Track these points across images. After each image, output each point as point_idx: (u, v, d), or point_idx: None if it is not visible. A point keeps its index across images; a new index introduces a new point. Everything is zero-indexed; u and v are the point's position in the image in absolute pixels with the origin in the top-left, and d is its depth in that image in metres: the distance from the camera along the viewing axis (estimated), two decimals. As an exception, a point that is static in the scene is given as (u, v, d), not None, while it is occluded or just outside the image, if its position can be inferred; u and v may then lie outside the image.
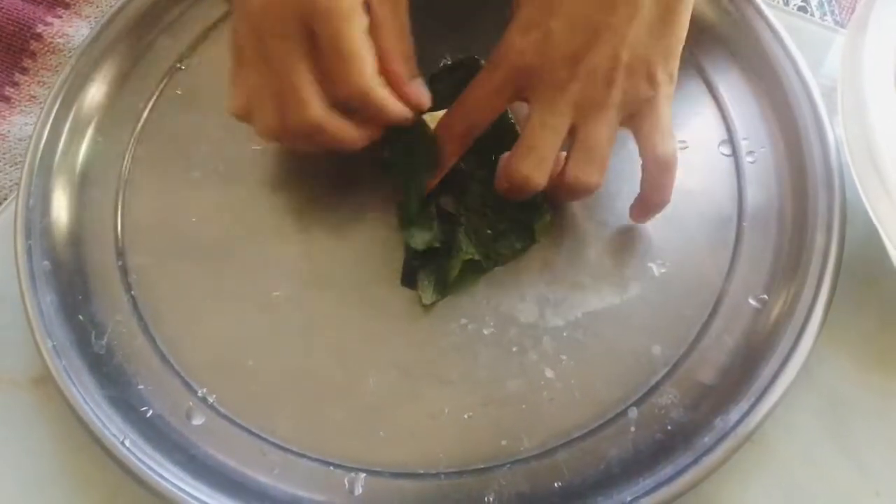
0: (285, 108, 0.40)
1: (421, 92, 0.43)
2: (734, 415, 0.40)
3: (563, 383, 0.43)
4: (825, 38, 0.52)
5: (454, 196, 0.46)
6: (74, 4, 0.56)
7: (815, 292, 0.42)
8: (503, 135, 0.46)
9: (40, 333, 0.43)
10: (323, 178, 0.48)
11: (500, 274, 0.45)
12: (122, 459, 0.40)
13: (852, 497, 0.41)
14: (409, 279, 0.45)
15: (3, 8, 0.55)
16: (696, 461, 0.39)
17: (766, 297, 0.44)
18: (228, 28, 0.43)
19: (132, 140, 0.50)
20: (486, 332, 0.44)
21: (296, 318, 0.45)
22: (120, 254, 0.47)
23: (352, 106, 0.41)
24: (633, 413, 0.42)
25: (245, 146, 0.49)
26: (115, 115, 0.50)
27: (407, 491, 0.41)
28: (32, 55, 0.55)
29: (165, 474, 0.40)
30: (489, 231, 0.45)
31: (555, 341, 0.44)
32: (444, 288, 0.45)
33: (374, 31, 0.40)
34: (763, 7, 0.49)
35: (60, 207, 0.47)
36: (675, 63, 0.42)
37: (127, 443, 0.41)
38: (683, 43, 0.42)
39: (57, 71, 0.55)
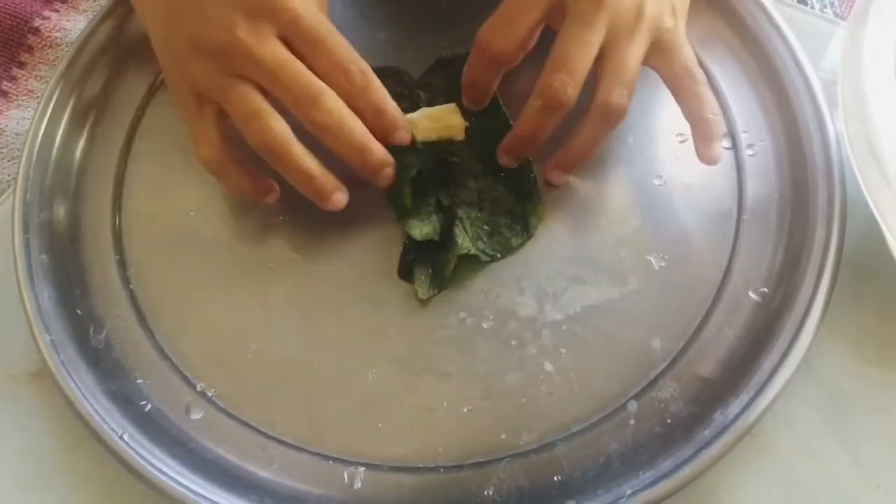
0: (300, 102, 0.41)
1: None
2: (734, 408, 0.40)
3: (563, 377, 0.43)
4: (825, 31, 0.52)
5: (449, 190, 0.46)
6: (72, -2, 0.56)
7: (815, 285, 0.42)
8: (498, 128, 0.46)
9: (38, 328, 0.43)
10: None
11: (499, 268, 0.45)
12: (120, 453, 0.40)
13: (852, 490, 0.41)
14: (405, 272, 0.45)
15: (0, 2, 0.54)
16: (695, 454, 0.39)
17: (765, 290, 0.44)
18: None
19: (130, 134, 0.50)
20: (485, 325, 0.44)
21: (294, 312, 0.45)
22: (118, 248, 0.47)
23: (355, 102, 0.41)
24: (633, 407, 0.42)
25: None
26: (113, 108, 0.50)
27: (406, 485, 0.41)
28: (30, 49, 0.55)
29: (164, 468, 0.40)
30: (486, 226, 0.45)
31: (554, 335, 0.44)
32: (441, 282, 0.44)
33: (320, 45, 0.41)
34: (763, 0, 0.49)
35: (58, 202, 0.47)
36: (686, 4, 0.44)
37: (125, 437, 0.41)
38: None
39: (54, 65, 0.54)
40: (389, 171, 0.43)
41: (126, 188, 0.48)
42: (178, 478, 0.40)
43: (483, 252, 0.45)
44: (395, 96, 0.43)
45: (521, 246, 0.45)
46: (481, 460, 0.41)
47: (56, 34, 0.55)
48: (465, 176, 0.46)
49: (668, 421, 0.41)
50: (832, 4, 0.57)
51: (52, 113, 0.48)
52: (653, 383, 0.42)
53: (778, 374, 0.41)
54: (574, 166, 0.46)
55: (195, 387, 0.43)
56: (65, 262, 0.46)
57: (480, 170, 0.46)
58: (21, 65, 0.54)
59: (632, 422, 0.42)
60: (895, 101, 0.39)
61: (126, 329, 0.45)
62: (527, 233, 0.45)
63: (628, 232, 0.46)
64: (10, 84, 0.54)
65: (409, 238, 0.45)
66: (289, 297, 0.45)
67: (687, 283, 0.45)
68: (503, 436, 0.42)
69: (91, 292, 0.46)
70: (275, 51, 0.40)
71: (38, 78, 0.54)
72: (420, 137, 0.44)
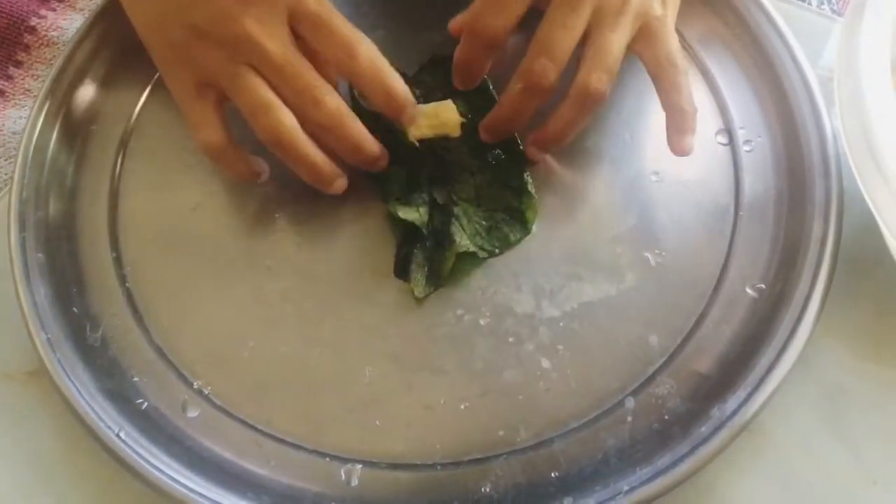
0: (304, 97, 0.41)
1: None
2: (731, 404, 0.40)
3: (560, 373, 0.43)
4: (823, 27, 0.52)
5: (446, 187, 0.46)
6: (68, -3, 0.56)
7: (812, 281, 0.42)
8: None
9: (34, 326, 0.43)
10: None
11: (497, 264, 0.45)
12: (117, 452, 0.40)
13: (849, 486, 0.41)
14: (401, 270, 0.45)
15: (-4, 1, 0.54)
16: (693, 451, 0.39)
17: (763, 286, 0.44)
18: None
19: (126, 132, 0.50)
20: (482, 322, 0.44)
21: (291, 309, 0.45)
22: (114, 246, 0.47)
23: (362, 88, 0.42)
24: (630, 403, 0.42)
25: (239, 138, 0.48)
26: (109, 107, 0.50)
27: (403, 482, 0.41)
28: (26, 48, 0.55)
29: (161, 466, 0.40)
30: (484, 221, 0.45)
31: (551, 332, 0.43)
32: (438, 280, 0.44)
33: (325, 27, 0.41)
34: (760, -5, 0.49)
35: (54, 200, 0.47)
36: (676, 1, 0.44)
37: (122, 435, 0.41)
38: None
39: (51, 64, 0.54)
40: (383, 163, 0.45)
41: (122, 186, 0.48)
42: (174, 475, 0.40)
43: (481, 248, 0.45)
44: None
45: (519, 241, 0.45)
46: (479, 457, 0.41)
47: (53, 33, 0.55)
48: (462, 172, 0.46)
49: (666, 417, 0.41)
50: (829, 1, 0.57)
51: (48, 111, 0.48)
52: (650, 380, 0.42)
53: (775, 370, 0.41)
54: (550, 145, 0.46)
55: (192, 385, 0.43)
56: (61, 260, 0.46)
57: (477, 165, 0.46)
58: (18, 64, 0.54)
59: (629, 418, 0.42)
60: (891, 97, 0.38)
61: (122, 327, 0.45)
62: (524, 227, 0.45)
63: (625, 228, 0.46)
64: (6, 83, 0.54)
65: (400, 233, 0.45)
66: (285, 295, 0.45)
67: (684, 279, 0.45)
68: (500, 432, 0.42)
69: (87, 290, 0.45)
70: (283, 46, 0.40)
71: (35, 77, 0.54)
72: (416, 134, 0.44)
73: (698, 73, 0.50)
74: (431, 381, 0.43)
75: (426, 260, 0.45)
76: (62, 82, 0.49)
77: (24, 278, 0.44)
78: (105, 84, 0.50)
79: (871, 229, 0.44)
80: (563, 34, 0.41)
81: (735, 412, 0.40)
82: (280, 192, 0.46)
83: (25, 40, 0.54)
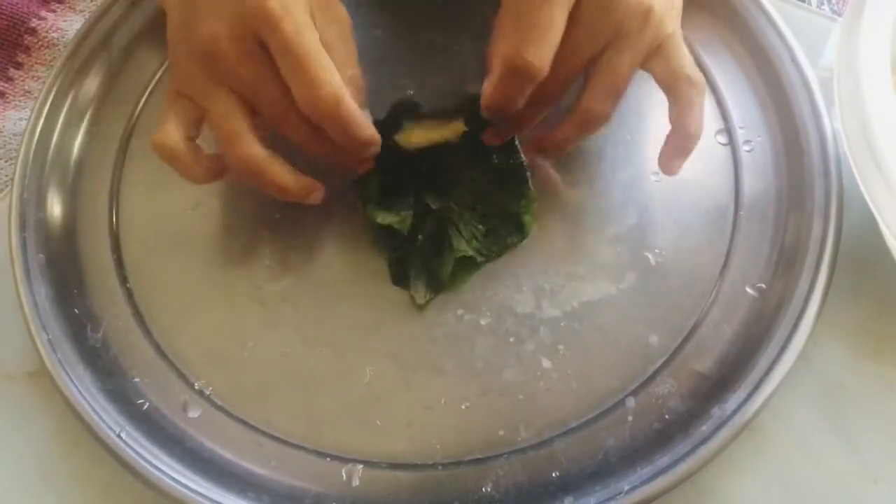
0: (274, 116, 0.40)
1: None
2: (731, 403, 0.40)
3: (560, 373, 0.43)
4: (823, 27, 0.52)
5: (439, 192, 0.46)
6: (68, -1, 0.56)
7: (812, 280, 0.42)
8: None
9: (35, 327, 0.43)
10: (318, 170, 0.48)
11: (497, 265, 0.45)
12: (118, 452, 0.40)
13: (850, 485, 0.41)
14: (399, 277, 0.45)
15: (-4, 3, 0.55)
16: (693, 450, 0.39)
17: (763, 285, 0.44)
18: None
19: (126, 132, 0.50)
20: (482, 322, 0.44)
21: (291, 309, 0.45)
22: (115, 247, 0.47)
23: (322, 123, 0.40)
24: (631, 402, 0.42)
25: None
26: (109, 108, 0.50)
27: (404, 482, 0.41)
28: (27, 50, 0.55)
29: (161, 466, 0.40)
30: (480, 226, 0.45)
31: (552, 331, 0.44)
32: (438, 286, 0.44)
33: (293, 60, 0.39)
34: (760, -5, 0.49)
35: (55, 201, 0.47)
36: (680, 12, 0.43)
37: (123, 435, 0.41)
38: None
39: (51, 66, 0.54)
40: (366, 166, 0.44)
41: (123, 187, 0.48)
42: (175, 476, 0.40)
43: (479, 252, 0.45)
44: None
45: (516, 244, 0.45)
46: (479, 457, 0.41)
47: (53, 35, 0.55)
48: (458, 177, 0.46)
49: (666, 417, 0.41)
50: (829, 1, 0.57)
51: (48, 113, 0.48)
52: (650, 379, 0.42)
53: (775, 369, 0.41)
54: (549, 154, 0.46)
55: (192, 385, 0.43)
56: (62, 260, 0.46)
57: (475, 171, 0.46)
58: (18, 65, 0.54)
59: (629, 418, 0.42)
60: (891, 96, 0.39)
61: (123, 327, 0.45)
62: (521, 231, 0.45)
63: (625, 228, 0.46)
64: (6, 84, 0.54)
65: (382, 239, 0.45)
66: (286, 295, 0.45)
67: (684, 278, 0.45)
68: (501, 432, 0.42)
69: (88, 291, 0.46)
70: (252, 63, 0.39)
71: (35, 78, 0.54)
72: (414, 142, 0.44)
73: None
74: (432, 381, 0.43)
75: (424, 267, 0.45)
76: (62, 84, 0.49)
77: (24, 279, 0.44)
78: (105, 85, 0.51)
79: (870, 228, 0.44)
80: (571, 56, 0.40)
81: (735, 411, 0.40)
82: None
83: (26, 42, 0.55)
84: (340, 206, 0.46)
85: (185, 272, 0.46)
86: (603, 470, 0.40)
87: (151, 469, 0.40)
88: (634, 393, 0.42)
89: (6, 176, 0.51)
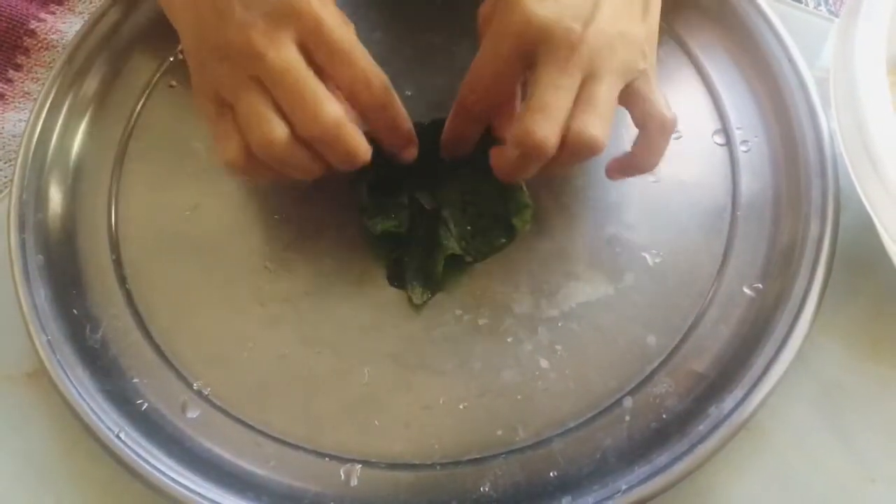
0: (304, 108, 0.40)
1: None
2: (729, 403, 0.40)
3: (558, 373, 0.43)
4: (819, 28, 0.52)
5: (432, 191, 0.46)
6: (68, 0, 0.56)
7: (810, 280, 0.42)
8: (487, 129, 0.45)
9: (34, 328, 0.43)
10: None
11: (495, 265, 0.45)
12: (117, 452, 0.40)
13: (847, 484, 0.41)
14: (396, 278, 0.45)
15: (-4, 5, 0.55)
16: (690, 450, 0.39)
17: (760, 285, 0.44)
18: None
19: (126, 134, 0.50)
20: (480, 322, 0.44)
21: (290, 310, 0.45)
22: (114, 248, 0.47)
23: (369, 114, 0.41)
24: (628, 402, 0.42)
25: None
26: (109, 109, 0.50)
27: (402, 482, 0.41)
28: (26, 51, 0.55)
29: (160, 467, 0.40)
30: (469, 227, 0.45)
31: (549, 331, 0.44)
32: (434, 286, 0.45)
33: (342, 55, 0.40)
34: (756, -4, 0.49)
35: (54, 202, 0.47)
36: (655, 50, 0.42)
37: (122, 436, 0.41)
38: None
39: (51, 67, 0.54)
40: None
41: (122, 188, 0.48)
42: (174, 476, 0.40)
43: (466, 252, 0.45)
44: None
45: (504, 247, 0.45)
46: (477, 457, 0.41)
47: (52, 36, 0.55)
48: (449, 177, 0.46)
49: (664, 416, 0.42)
50: (826, 2, 0.57)
51: (47, 114, 0.48)
52: (648, 379, 0.43)
53: (773, 368, 0.41)
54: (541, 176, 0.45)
55: (191, 385, 0.43)
56: (61, 261, 0.46)
57: (466, 171, 0.46)
58: (17, 67, 0.55)
59: (627, 417, 0.42)
60: (887, 96, 0.39)
61: (122, 328, 0.45)
62: (510, 233, 0.45)
63: (623, 228, 0.46)
64: (6, 86, 0.54)
65: (381, 244, 0.45)
66: (285, 295, 0.45)
67: (682, 278, 0.45)
68: (499, 432, 0.42)
69: (87, 292, 0.46)
70: (283, 55, 0.39)
71: (35, 80, 0.54)
72: None
73: (695, 74, 0.50)
74: (430, 381, 0.43)
75: (420, 267, 0.45)
76: (62, 85, 0.49)
77: (24, 280, 0.44)
78: (104, 86, 0.51)
79: (867, 229, 0.44)
80: (558, 94, 0.39)
81: (733, 411, 0.40)
82: (279, 192, 0.46)
83: (25, 43, 0.55)
84: (339, 207, 0.46)
85: (184, 273, 0.46)
86: (601, 469, 0.40)
87: (150, 469, 0.40)
88: (632, 393, 0.42)
89: (5, 177, 0.51)
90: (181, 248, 0.46)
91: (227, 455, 0.42)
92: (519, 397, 0.42)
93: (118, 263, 0.46)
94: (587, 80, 0.40)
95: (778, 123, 0.47)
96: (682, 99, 0.49)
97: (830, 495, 0.41)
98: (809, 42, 0.49)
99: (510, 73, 0.41)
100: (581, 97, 0.40)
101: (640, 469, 0.40)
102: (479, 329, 0.44)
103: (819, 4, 0.57)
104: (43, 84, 0.49)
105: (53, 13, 0.56)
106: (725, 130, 0.48)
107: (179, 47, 0.51)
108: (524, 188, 0.46)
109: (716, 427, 0.40)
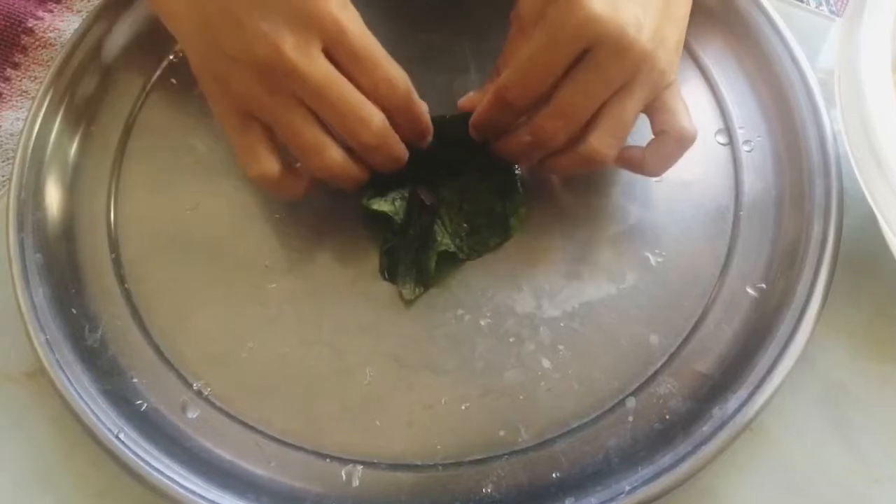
0: (349, 122, 0.40)
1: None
2: (732, 403, 0.40)
3: (561, 373, 0.43)
4: (821, 27, 0.52)
5: (432, 188, 0.46)
6: (66, -2, 0.56)
7: (813, 280, 0.42)
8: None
9: (33, 327, 0.43)
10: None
11: (496, 264, 0.45)
12: (116, 453, 0.40)
13: (851, 484, 0.41)
14: (389, 271, 0.45)
15: (-6, 3, 0.54)
16: (694, 450, 0.39)
17: (763, 285, 0.44)
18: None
19: (125, 133, 0.49)
20: (482, 322, 0.44)
21: (290, 309, 0.44)
22: (113, 247, 0.46)
23: (397, 115, 0.42)
24: (632, 403, 0.42)
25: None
26: (107, 107, 0.50)
27: (404, 482, 0.41)
28: (24, 50, 0.54)
29: (160, 467, 0.40)
30: (465, 224, 0.45)
31: (552, 331, 0.43)
32: (425, 281, 0.44)
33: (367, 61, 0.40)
34: (759, -5, 0.49)
35: (53, 201, 0.47)
36: (680, 55, 0.43)
37: (121, 436, 0.40)
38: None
39: (49, 66, 0.54)
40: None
41: (121, 187, 0.48)
42: (174, 477, 0.40)
43: (460, 250, 0.45)
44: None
45: (498, 246, 0.45)
46: (480, 457, 0.41)
47: (50, 34, 0.55)
48: (449, 175, 0.46)
49: (667, 417, 0.41)
50: (827, 1, 0.57)
51: (45, 113, 0.48)
52: (651, 379, 0.42)
53: (776, 369, 0.40)
54: (543, 172, 0.46)
55: (191, 385, 0.43)
56: (60, 261, 0.46)
57: (466, 171, 0.46)
58: (15, 65, 0.54)
59: (630, 418, 0.42)
60: (892, 95, 0.39)
61: (122, 328, 0.44)
62: (506, 233, 0.45)
63: (625, 228, 0.46)
64: (3, 85, 0.54)
65: (377, 228, 0.45)
66: (285, 295, 0.45)
67: (685, 278, 0.45)
68: (501, 433, 0.42)
69: (86, 291, 0.45)
70: (322, 69, 0.39)
71: (33, 78, 0.54)
72: None
73: (698, 73, 0.50)
74: (432, 381, 0.43)
75: (413, 262, 0.45)
76: (60, 84, 0.49)
77: (22, 279, 0.44)
78: (103, 85, 0.50)
79: (871, 228, 0.44)
80: (583, 100, 0.40)
81: (736, 411, 0.40)
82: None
83: (23, 42, 0.54)
84: (341, 207, 0.46)
85: (183, 272, 0.46)
86: (604, 470, 0.40)
87: (150, 470, 0.40)
88: (635, 393, 0.42)
89: (3, 176, 0.51)
90: (181, 248, 0.46)
91: (227, 456, 0.42)
92: (521, 398, 0.42)
93: (117, 263, 0.46)
94: (621, 90, 0.40)
95: (781, 123, 0.47)
96: (685, 98, 0.49)
97: (834, 495, 0.41)
98: (811, 41, 0.49)
99: (561, 69, 0.40)
100: (608, 110, 0.41)
101: (643, 470, 0.39)
102: (480, 329, 0.44)
103: (820, 4, 0.57)
104: (41, 82, 0.49)
105: (51, 11, 0.55)
106: (728, 130, 0.48)
107: (178, 46, 0.51)
108: (520, 189, 0.45)
109: (719, 428, 0.39)
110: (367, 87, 0.40)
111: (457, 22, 0.51)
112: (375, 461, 0.41)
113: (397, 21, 0.52)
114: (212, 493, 0.40)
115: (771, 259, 0.45)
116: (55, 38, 0.55)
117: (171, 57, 0.51)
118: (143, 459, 0.40)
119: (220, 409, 0.43)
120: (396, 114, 0.42)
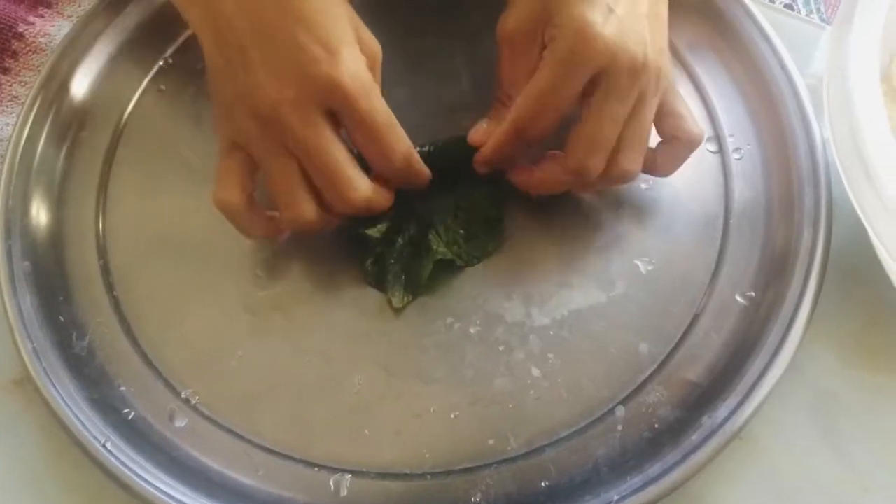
0: (334, 189, 0.40)
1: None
2: (722, 412, 0.40)
3: (550, 382, 0.42)
4: (811, 35, 0.52)
5: (424, 197, 0.45)
6: (56, 3, 0.56)
7: (802, 289, 0.42)
8: None
9: (20, 335, 0.42)
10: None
11: (486, 272, 0.45)
12: (103, 462, 0.40)
13: (840, 493, 0.41)
14: (376, 279, 0.45)
15: (-17, 8, 0.54)
16: (683, 459, 0.39)
17: (753, 294, 0.44)
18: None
19: (114, 139, 0.49)
20: (472, 330, 0.44)
21: (279, 318, 0.44)
22: (101, 254, 0.46)
23: (392, 178, 0.42)
24: (621, 411, 0.42)
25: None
26: (96, 113, 0.50)
27: (393, 491, 0.41)
28: (14, 55, 0.54)
29: (147, 476, 0.40)
30: (461, 231, 0.45)
31: (541, 340, 0.43)
32: (415, 289, 0.44)
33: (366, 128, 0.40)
34: (749, 4, 0.49)
35: (41, 208, 0.47)
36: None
37: (108, 445, 0.40)
38: None
39: (39, 71, 0.54)
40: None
41: (110, 193, 0.48)
42: (162, 486, 0.39)
43: (459, 257, 0.45)
44: None
45: (496, 250, 0.45)
46: (469, 466, 0.41)
47: (40, 39, 0.54)
48: (440, 187, 0.46)
49: (656, 425, 0.41)
50: (818, 10, 0.57)
51: (35, 118, 0.48)
52: (640, 388, 0.42)
53: (766, 377, 0.40)
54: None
55: (179, 394, 0.43)
56: (47, 268, 0.45)
57: (459, 184, 0.46)
58: (5, 70, 0.54)
59: (619, 427, 0.41)
60: (881, 104, 0.39)
61: (109, 336, 0.44)
62: (501, 234, 0.46)
63: (615, 236, 0.46)
64: (-7, 90, 0.53)
65: (363, 244, 0.45)
66: (274, 303, 0.45)
67: (674, 287, 0.45)
68: (491, 441, 0.41)
69: (74, 298, 0.45)
70: (315, 133, 0.39)
71: (23, 84, 0.54)
72: None
73: (687, 81, 0.50)
74: (421, 390, 0.42)
75: (402, 270, 0.45)
76: (50, 89, 0.49)
77: (9, 286, 0.43)
78: (93, 90, 0.50)
79: (860, 237, 0.44)
80: (612, 128, 0.40)
81: (726, 420, 0.40)
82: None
83: (13, 47, 0.54)
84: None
85: (172, 280, 0.45)
86: (593, 479, 0.40)
87: (137, 479, 0.39)
88: (624, 402, 0.42)
89: (-8, 182, 0.51)
90: (170, 255, 0.46)
91: (215, 465, 0.41)
92: (511, 406, 0.42)
93: (105, 270, 0.46)
94: (637, 105, 0.40)
95: (770, 131, 0.47)
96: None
97: (823, 504, 0.41)
98: (801, 49, 0.49)
99: (576, 97, 0.40)
100: (630, 129, 0.41)
101: (632, 479, 0.39)
102: (470, 337, 0.44)
103: (811, 12, 0.57)
104: (31, 88, 0.49)
105: (42, 16, 0.55)
106: (718, 138, 0.48)
107: (168, 52, 0.51)
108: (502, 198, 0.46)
109: (709, 436, 0.39)
110: (367, 153, 0.41)
111: (448, 27, 0.51)
112: (364, 470, 0.41)
113: (391, 27, 0.52)
114: (199, 502, 0.39)
115: (760, 267, 0.45)
116: (46, 44, 0.54)
117: (160, 63, 0.51)
118: (129, 468, 0.40)
119: (207, 418, 0.42)
120: (394, 179, 0.42)
